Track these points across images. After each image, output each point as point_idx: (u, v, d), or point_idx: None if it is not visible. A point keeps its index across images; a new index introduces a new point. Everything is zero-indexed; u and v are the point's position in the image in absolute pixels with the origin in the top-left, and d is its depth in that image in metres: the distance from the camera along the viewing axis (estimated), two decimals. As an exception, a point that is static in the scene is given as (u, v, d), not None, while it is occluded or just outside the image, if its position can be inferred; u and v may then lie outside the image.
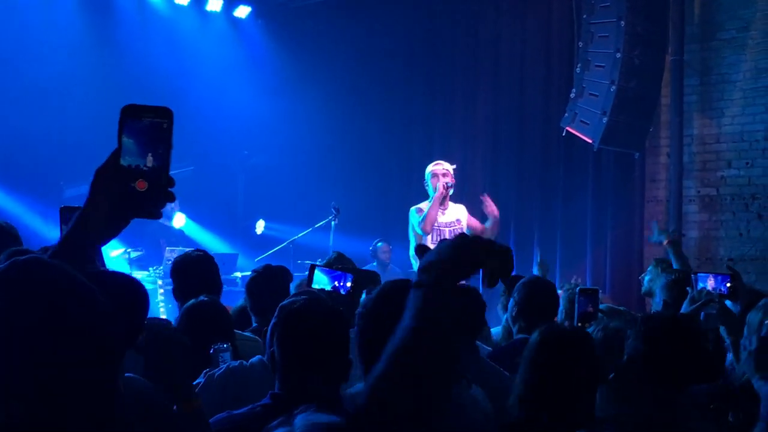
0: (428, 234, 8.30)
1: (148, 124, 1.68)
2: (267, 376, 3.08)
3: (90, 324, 1.40)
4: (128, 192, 1.67)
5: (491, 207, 8.60)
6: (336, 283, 4.13)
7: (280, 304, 2.97)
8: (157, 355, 2.42)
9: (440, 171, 8.47)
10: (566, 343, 3.00)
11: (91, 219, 1.71)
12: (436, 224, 8.33)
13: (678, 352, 3.11)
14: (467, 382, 3.15)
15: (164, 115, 1.69)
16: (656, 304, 5.64)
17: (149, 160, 1.68)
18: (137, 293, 1.57)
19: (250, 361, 3.54)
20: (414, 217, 8.42)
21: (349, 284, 4.04)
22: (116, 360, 1.50)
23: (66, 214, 3.37)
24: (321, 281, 4.17)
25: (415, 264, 8.44)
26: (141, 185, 1.66)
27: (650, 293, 6.21)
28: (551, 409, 2.87)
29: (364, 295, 4.10)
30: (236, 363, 3.54)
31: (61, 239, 1.76)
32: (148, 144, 1.68)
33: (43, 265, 1.44)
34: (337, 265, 4.98)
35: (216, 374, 3.46)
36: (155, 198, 1.68)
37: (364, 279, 4.21)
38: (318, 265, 4.33)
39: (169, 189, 1.69)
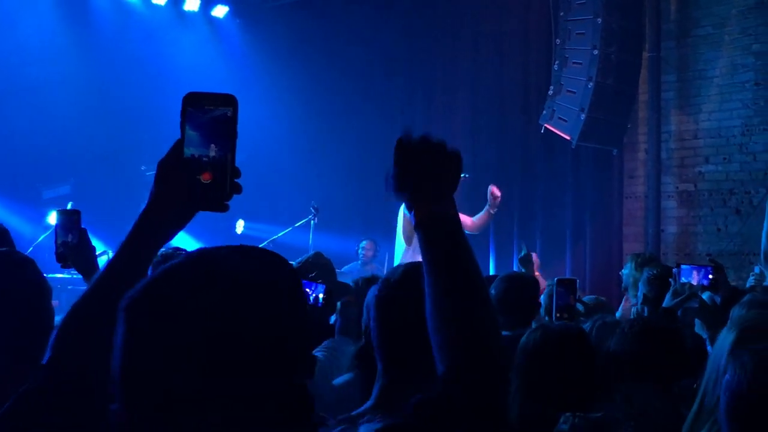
0: None
1: (212, 113, 1.62)
2: None
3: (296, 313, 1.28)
4: (194, 184, 1.59)
5: (495, 196, 8.59)
6: (309, 290, 4.08)
7: None
8: None
9: None
10: (564, 341, 3.03)
11: (157, 214, 1.64)
12: None
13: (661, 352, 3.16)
14: None
15: (228, 102, 1.63)
16: (633, 297, 5.67)
17: (213, 151, 1.60)
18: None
19: None
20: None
21: (321, 295, 3.99)
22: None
23: (62, 217, 3.36)
24: None
25: (398, 261, 8.43)
26: (206, 177, 1.59)
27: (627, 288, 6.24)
28: (554, 404, 2.86)
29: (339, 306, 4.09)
30: None
31: (127, 238, 1.65)
32: (211, 134, 1.61)
33: (226, 252, 1.29)
34: (314, 268, 4.96)
35: None
36: (222, 189, 1.60)
37: (338, 291, 4.14)
38: None
39: (236, 180, 1.61)
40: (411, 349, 2.09)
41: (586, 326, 3.80)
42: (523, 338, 3.11)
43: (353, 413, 2.11)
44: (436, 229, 1.71)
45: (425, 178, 1.76)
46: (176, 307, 1.19)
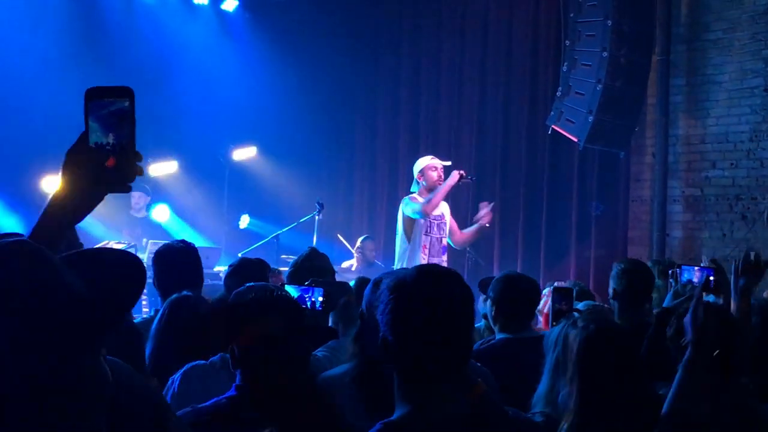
0: (427, 218, 8.27)
1: (111, 105, 1.78)
2: (228, 372, 3.06)
3: (52, 309, 1.37)
4: (99, 170, 1.75)
5: (485, 217, 8.56)
6: (305, 295, 4.07)
7: (232, 297, 2.97)
8: None
9: (438, 165, 8.45)
10: (617, 342, 2.93)
11: (66, 199, 1.78)
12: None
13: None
14: None
15: (125, 94, 1.79)
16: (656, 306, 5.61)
17: (115, 138, 1.76)
18: (128, 272, 1.60)
19: (210, 359, 3.51)
20: (409, 204, 8.32)
21: (320, 299, 3.98)
22: (91, 346, 1.48)
23: None
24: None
25: (398, 263, 8.41)
26: (110, 162, 1.75)
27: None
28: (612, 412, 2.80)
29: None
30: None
31: (38, 221, 1.80)
32: (113, 123, 1.77)
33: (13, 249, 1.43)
34: (309, 268, 4.95)
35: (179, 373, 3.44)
36: (125, 173, 1.76)
37: (336, 292, 4.14)
38: (286, 282, 4.32)
39: (138, 163, 1.78)
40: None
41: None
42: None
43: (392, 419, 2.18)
44: None
45: None
46: None
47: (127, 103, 1.78)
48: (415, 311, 2.16)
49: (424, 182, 8.41)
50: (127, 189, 1.77)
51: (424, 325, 2.15)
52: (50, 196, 1.80)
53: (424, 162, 8.50)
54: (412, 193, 8.55)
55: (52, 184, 10.34)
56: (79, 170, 1.77)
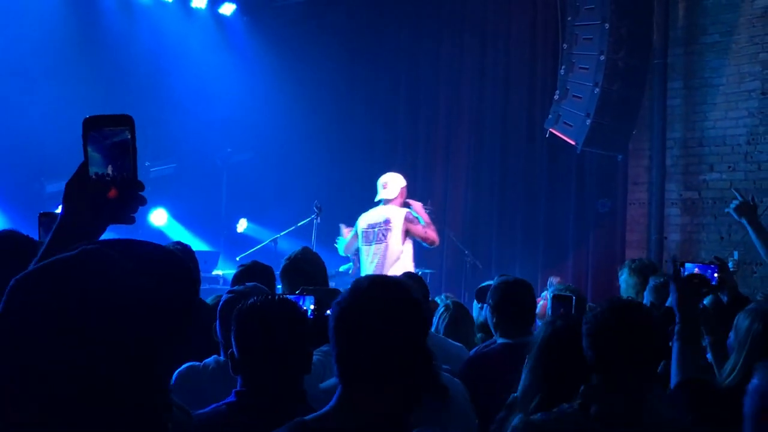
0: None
1: (111, 134, 1.72)
2: (221, 374, 3.05)
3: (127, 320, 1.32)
4: (101, 202, 1.71)
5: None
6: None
7: (225, 300, 2.96)
8: None
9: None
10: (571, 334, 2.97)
11: (68, 230, 1.74)
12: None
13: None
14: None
15: (125, 122, 1.73)
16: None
17: (117, 168, 1.71)
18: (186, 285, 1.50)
19: (204, 361, 3.52)
20: (418, 223, 8.84)
21: (311, 306, 3.99)
22: (158, 359, 1.43)
23: (44, 219, 3.35)
24: None
25: (394, 264, 8.58)
26: (112, 193, 1.70)
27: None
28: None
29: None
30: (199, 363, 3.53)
31: (41, 252, 1.74)
32: (113, 153, 1.72)
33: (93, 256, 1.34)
34: (302, 263, 4.97)
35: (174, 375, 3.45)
36: (127, 204, 1.72)
37: (327, 298, 4.16)
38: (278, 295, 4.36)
39: (140, 193, 1.73)
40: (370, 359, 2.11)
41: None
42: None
43: (308, 417, 2.14)
44: None
45: None
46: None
47: (127, 134, 1.73)
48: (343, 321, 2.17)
49: (399, 198, 8.97)
50: (131, 220, 1.74)
51: (345, 334, 2.16)
52: (53, 228, 1.76)
53: (403, 182, 9.09)
54: (389, 202, 9.00)
55: (55, 190, 10.36)
56: (80, 202, 1.74)
